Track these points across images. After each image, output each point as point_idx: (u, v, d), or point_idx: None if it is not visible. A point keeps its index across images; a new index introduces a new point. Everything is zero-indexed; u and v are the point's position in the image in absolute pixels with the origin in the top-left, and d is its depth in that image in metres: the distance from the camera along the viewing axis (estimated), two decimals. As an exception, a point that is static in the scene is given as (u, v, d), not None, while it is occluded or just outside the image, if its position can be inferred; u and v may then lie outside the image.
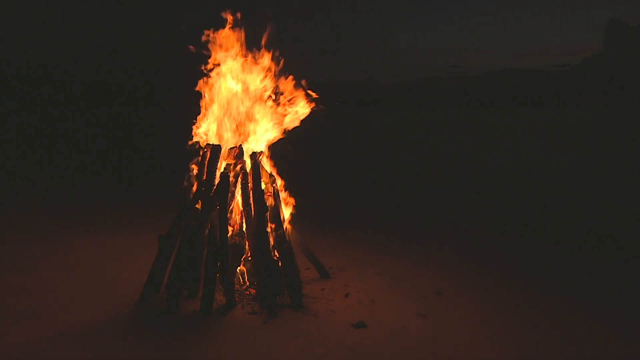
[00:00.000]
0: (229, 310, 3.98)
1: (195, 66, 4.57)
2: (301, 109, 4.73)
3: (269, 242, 4.22)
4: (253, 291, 4.28)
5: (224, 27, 4.58)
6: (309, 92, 4.66)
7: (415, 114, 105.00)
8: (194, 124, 4.65)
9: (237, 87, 4.66)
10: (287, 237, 4.39)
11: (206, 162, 4.34)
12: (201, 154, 4.47)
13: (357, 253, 5.85)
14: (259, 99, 4.69)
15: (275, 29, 4.54)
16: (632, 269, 5.74)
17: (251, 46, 4.65)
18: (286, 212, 4.70)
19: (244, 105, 4.66)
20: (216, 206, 4.15)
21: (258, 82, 4.68)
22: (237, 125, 4.66)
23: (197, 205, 4.26)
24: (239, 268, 4.39)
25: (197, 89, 4.66)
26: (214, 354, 3.38)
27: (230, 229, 4.27)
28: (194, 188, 4.37)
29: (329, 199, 9.72)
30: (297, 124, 4.79)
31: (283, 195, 4.70)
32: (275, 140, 4.79)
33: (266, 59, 4.64)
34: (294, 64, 4.69)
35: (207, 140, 4.56)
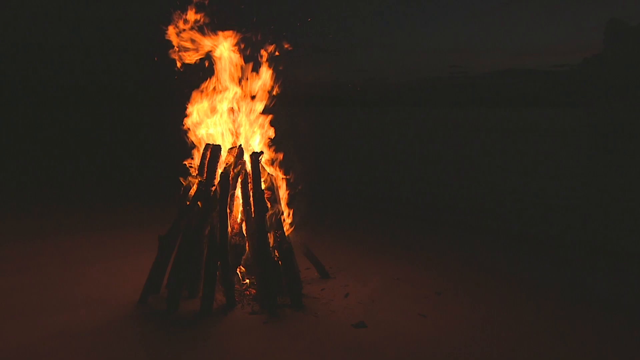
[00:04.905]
0: (229, 310, 3.98)
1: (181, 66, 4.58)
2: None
3: (269, 242, 4.22)
4: (253, 291, 4.28)
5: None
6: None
7: (416, 114, 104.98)
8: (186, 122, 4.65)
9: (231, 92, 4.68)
10: (287, 237, 4.39)
11: (206, 162, 4.34)
12: (201, 153, 4.47)
13: (357, 253, 5.85)
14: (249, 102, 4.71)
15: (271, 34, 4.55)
16: (632, 269, 5.74)
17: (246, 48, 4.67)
18: (286, 212, 4.70)
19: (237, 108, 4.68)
20: (216, 206, 4.15)
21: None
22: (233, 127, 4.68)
23: (197, 205, 4.26)
24: (238, 268, 4.39)
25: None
26: (214, 354, 3.38)
27: (230, 229, 4.27)
28: (194, 188, 4.37)
29: (330, 200, 9.71)
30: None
31: (284, 195, 4.70)
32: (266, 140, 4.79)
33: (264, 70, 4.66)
34: (289, 64, 4.69)
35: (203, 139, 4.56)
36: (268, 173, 4.55)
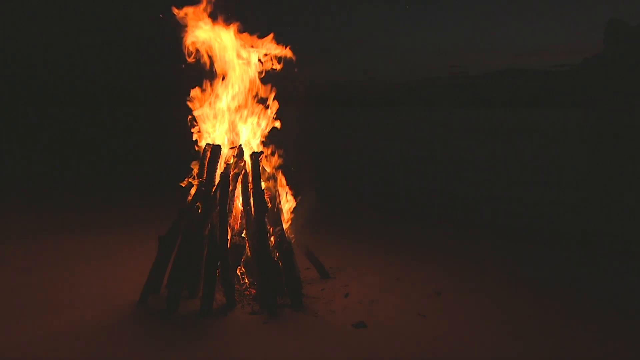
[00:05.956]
0: (229, 310, 3.99)
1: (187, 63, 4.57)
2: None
3: (269, 242, 4.22)
4: (253, 291, 4.28)
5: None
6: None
7: (416, 114, 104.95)
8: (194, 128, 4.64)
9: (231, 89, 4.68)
10: (287, 237, 4.39)
11: (206, 162, 4.34)
12: (201, 154, 4.48)
13: (357, 253, 5.85)
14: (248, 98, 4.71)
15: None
16: (632, 268, 5.74)
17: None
18: (287, 212, 4.70)
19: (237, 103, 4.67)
20: (216, 206, 4.15)
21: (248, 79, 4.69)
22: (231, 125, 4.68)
23: (197, 205, 4.26)
24: (238, 268, 4.39)
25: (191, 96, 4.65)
26: (214, 354, 3.39)
27: (230, 229, 4.28)
28: (194, 188, 4.38)
29: (330, 199, 9.70)
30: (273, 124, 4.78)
31: (284, 195, 4.70)
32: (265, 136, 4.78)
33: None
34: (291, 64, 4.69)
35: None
36: (268, 173, 4.55)
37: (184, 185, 4.43)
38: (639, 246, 6.81)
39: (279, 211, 4.48)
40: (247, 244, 4.33)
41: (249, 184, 4.32)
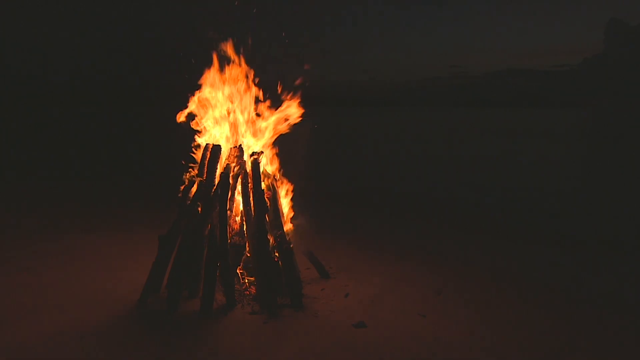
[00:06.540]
0: (229, 310, 3.99)
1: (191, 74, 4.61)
2: (290, 114, 4.78)
3: (269, 242, 4.22)
4: (253, 291, 4.28)
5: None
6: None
7: (416, 114, 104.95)
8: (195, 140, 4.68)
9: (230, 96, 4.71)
10: (287, 237, 4.39)
11: (206, 162, 4.35)
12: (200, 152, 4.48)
13: (357, 253, 5.85)
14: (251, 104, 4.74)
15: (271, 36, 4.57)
16: (632, 269, 5.74)
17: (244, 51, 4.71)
18: (286, 212, 4.71)
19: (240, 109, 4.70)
20: (216, 206, 4.15)
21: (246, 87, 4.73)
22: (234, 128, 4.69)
23: (197, 205, 4.26)
24: (238, 268, 4.39)
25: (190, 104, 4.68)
26: (214, 354, 3.39)
27: (230, 229, 4.28)
28: (194, 188, 4.38)
29: (330, 199, 9.70)
30: (285, 129, 4.82)
31: (284, 194, 4.71)
32: (272, 140, 4.80)
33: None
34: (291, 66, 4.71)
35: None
36: (268, 172, 4.56)
37: (184, 163, 4.43)
38: (638, 246, 6.82)
39: (279, 211, 4.48)
40: (247, 244, 4.34)
41: (249, 184, 4.32)
